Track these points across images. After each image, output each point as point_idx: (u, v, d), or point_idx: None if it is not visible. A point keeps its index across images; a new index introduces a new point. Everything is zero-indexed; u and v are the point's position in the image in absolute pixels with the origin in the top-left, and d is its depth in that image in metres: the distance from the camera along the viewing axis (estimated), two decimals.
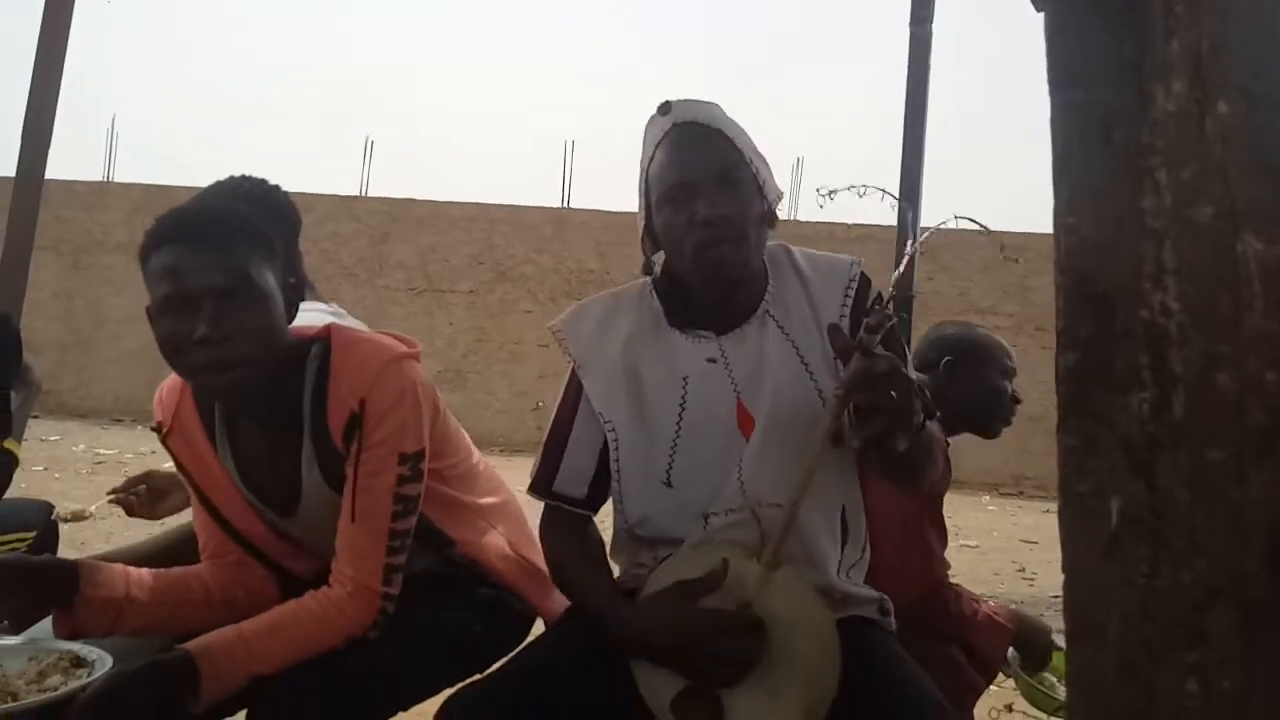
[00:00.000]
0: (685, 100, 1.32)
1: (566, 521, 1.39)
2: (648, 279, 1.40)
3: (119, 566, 1.38)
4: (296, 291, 1.38)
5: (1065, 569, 0.62)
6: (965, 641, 1.77)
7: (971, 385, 1.93)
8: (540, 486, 1.39)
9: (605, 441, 1.34)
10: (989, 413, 1.95)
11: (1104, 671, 0.59)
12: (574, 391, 1.39)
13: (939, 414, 1.92)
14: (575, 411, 1.37)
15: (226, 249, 1.25)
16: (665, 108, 1.32)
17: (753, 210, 1.28)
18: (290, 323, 1.34)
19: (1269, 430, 0.59)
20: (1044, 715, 1.88)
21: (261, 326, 1.27)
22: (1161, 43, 0.61)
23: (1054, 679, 1.86)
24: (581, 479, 1.36)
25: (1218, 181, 0.61)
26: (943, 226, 1.16)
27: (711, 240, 1.24)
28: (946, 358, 1.93)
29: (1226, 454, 0.58)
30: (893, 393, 1.05)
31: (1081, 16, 0.66)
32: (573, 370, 1.39)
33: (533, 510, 1.51)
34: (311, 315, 1.66)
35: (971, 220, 1.13)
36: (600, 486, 1.37)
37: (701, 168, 1.26)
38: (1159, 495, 0.58)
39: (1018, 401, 1.97)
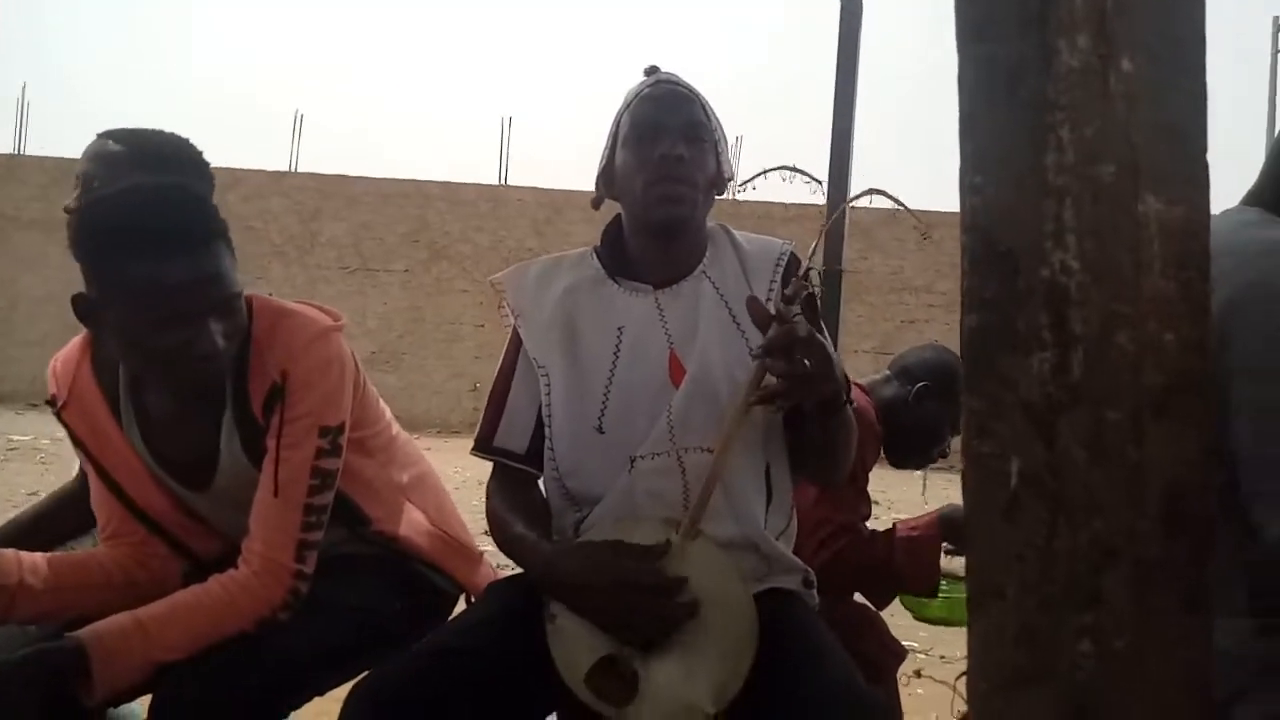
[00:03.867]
0: (670, 71, 1.42)
1: (510, 481, 1.39)
2: (589, 248, 1.44)
3: (10, 552, 1.31)
4: None
5: (967, 531, 0.61)
6: (896, 576, 1.75)
7: (927, 419, 1.92)
8: (482, 443, 1.40)
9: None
10: (918, 448, 1.95)
11: (1003, 633, 0.59)
12: (514, 346, 1.41)
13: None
14: (515, 365, 1.40)
15: (210, 254, 1.22)
16: (651, 70, 1.41)
17: (707, 168, 1.36)
18: None
19: (1166, 390, 0.59)
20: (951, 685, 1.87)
21: (242, 323, 1.28)
22: None
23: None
24: (522, 433, 1.37)
25: (1120, 140, 0.61)
26: (857, 203, 1.16)
27: (664, 177, 1.30)
28: (924, 383, 1.91)
29: (1124, 414, 0.57)
30: (807, 360, 1.08)
31: None
32: (514, 327, 1.41)
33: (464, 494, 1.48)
34: None
35: (884, 194, 1.14)
36: (542, 443, 1.37)
37: (671, 116, 1.34)
38: (1058, 456, 0.57)
39: (944, 455, 1.97)
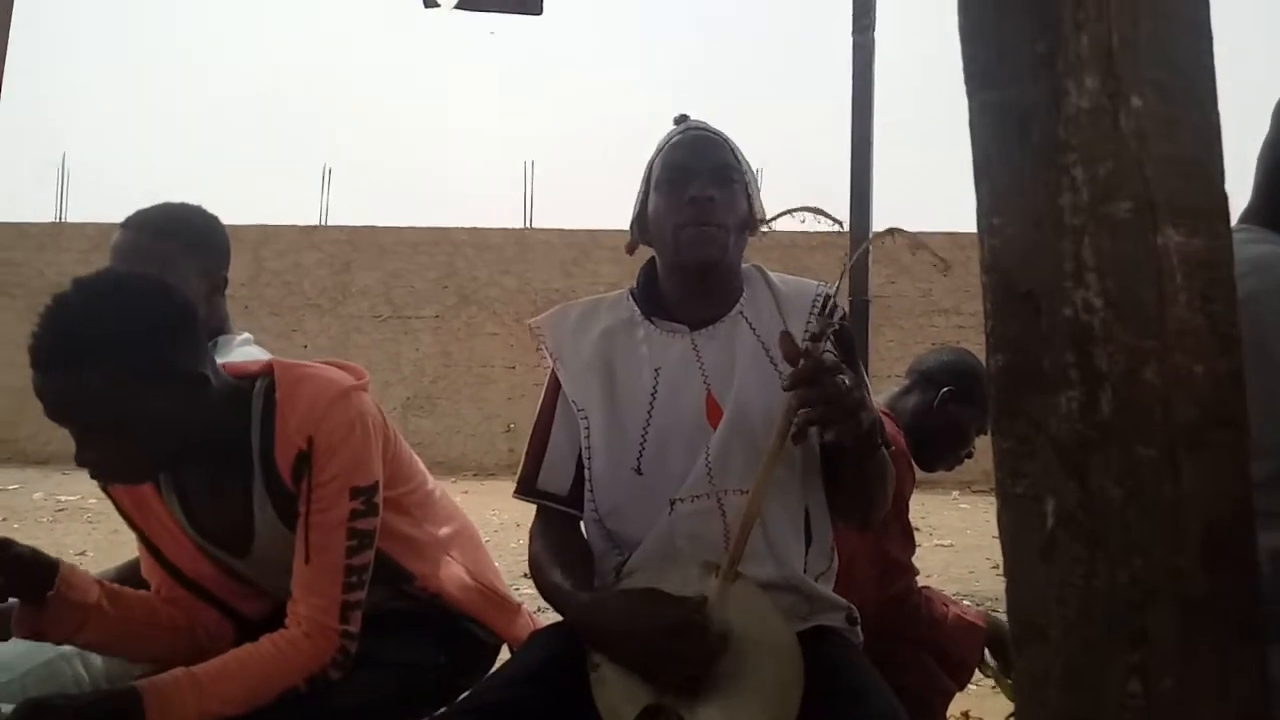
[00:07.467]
0: (700, 119, 1.46)
1: (553, 523, 1.39)
2: (626, 290, 1.46)
3: (90, 574, 1.36)
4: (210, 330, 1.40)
5: (1006, 573, 0.61)
6: (937, 646, 1.76)
7: (953, 422, 1.95)
8: (524, 486, 1.41)
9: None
10: (944, 451, 1.97)
11: (1048, 675, 0.58)
12: (553, 388, 1.42)
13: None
14: (554, 408, 1.41)
15: (76, 374, 1.17)
16: (681, 118, 1.45)
17: (738, 209, 1.37)
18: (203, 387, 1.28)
19: (1198, 424, 0.58)
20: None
21: (127, 450, 1.24)
22: (1072, 38, 0.61)
23: None
24: (564, 474, 1.38)
25: (1135, 176, 0.61)
26: (877, 236, 1.18)
27: (694, 219, 1.32)
28: (950, 387, 1.93)
29: (1157, 450, 0.57)
30: (835, 393, 1.09)
31: (994, 15, 0.66)
32: (552, 369, 1.42)
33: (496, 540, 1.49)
34: (249, 350, 1.64)
35: (904, 233, 1.15)
36: (584, 484, 1.37)
37: (701, 160, 1.37)
38: (1092, 495, 0.57)
39: (970, 456, 2.01)
